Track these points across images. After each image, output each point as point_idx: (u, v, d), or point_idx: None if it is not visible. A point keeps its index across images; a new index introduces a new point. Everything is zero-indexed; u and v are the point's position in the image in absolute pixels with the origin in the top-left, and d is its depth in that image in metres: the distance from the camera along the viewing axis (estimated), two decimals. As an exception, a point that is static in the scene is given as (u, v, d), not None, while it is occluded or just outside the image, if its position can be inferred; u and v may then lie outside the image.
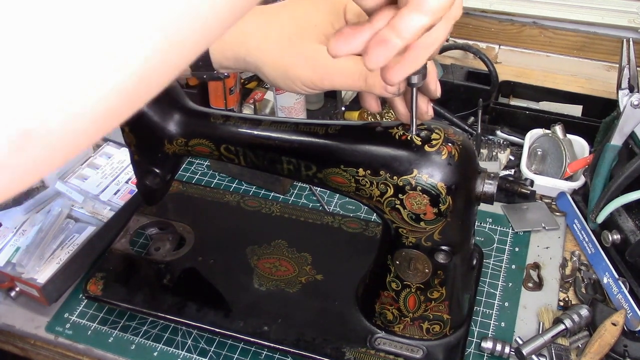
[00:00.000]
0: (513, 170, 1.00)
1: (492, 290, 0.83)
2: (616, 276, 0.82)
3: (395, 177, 0.59)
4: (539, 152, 1.00)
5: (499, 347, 0.75)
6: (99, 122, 0.22)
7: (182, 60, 0.24)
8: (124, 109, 0.23)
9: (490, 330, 0.79)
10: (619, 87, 0.85)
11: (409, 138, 0.60)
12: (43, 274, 0.83)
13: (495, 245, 0.90)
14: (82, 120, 0.21)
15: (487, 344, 0.76)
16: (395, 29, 0.37)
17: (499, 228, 0.92)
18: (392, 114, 1.07)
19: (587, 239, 0.88)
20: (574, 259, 0.88)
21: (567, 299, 0.83)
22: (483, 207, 0.91)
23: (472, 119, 1.10)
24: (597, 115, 1.02)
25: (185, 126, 0.69)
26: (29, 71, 0.19)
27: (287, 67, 0.53)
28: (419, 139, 0.59)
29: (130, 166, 0.93)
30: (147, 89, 0.24)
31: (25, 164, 0.20)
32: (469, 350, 0.77)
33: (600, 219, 0.85)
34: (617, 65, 0.88)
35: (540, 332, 0.77)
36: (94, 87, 0.21)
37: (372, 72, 0.51)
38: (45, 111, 0.20)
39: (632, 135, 0.85)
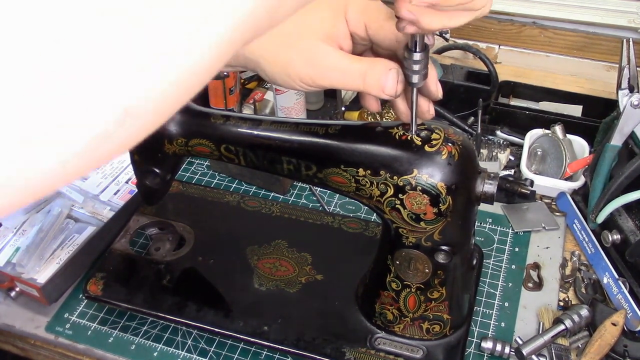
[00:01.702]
0: (513, 170, 1.01)
1: (492, 290, 0.83)
2: (616, 276, 0.82)
3: (395, 177, 0.59)
4: (539, 152, 1.00)
5: (499, 347, 0.75)
6: (173, 102, 0.25)
7: (251, 36, 0.27)
8: (190, 90, 0.26)
9: (490, 330, 0.79)
10: (618, 87, 0.85)
11: (409, 138, 0.60)
12: (43, 274, 0.83)
13: (495, 245, 0.90)
14: (164, 99, 0.24)
15: (487, 344, 0.76)
16: None
17: (499, 228, 0.92)
18: (392, 113, 1.07)
19: (587, 239, 0.88)
20: (574, 259, 0.88)
21: (567, 299, 0.83)
22: (483, 207, 0.91)
23: (472, 119, 1.10)
24: (597, 115, 1.02)
25: (185, 126, 0.69)
26: (131, 55, 0.22)
27: (286, 64, 0.53)
28: (419, 139, 0.59)
29: (130, 166, 0.93)
30: (213, 72, 0.26)
31: (123, 136, 0.24)
32: (469, 350, 0.77)
33: (600, 219, 0.85)
34: (617, 65, 0.87)
35: (540, 332, 0.77)
36: (172, 72, 0.24)
37: (371, 74, 0.51)
38: (139, 91, 0.23)
39: (632, 135, 0.85)
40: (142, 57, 0.22)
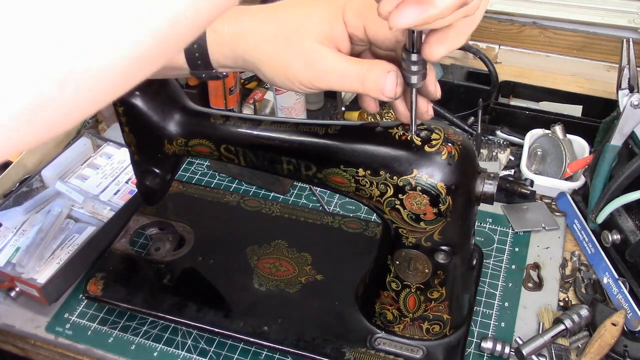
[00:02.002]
0: (513, 171, 1.01)
1: (492, 290, 0.83)
2: (616, 276, 0.82)
3: (395, 177, 0.59)
4: (539, 152, 1.00)
5: (499, 347, 0.75)
6: (134, 66, 0.25)
7: (212, 12, 0.26)
8: (158, 55, 0.26)
9: (490, 330, 0.79)
10: (618, 87, 0.85)
11: (408, 138, 0.60)
12: (43, 274, 0.83)
13: (495, 245, 0.90)
14: (119, 63, 0.24)
15: (487, 344, 0.76)
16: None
17: (499, 228, 0.92)
18: (392, 114, 1.07)
19: (587, 239, 0.88)
20: (574, 259, 0.88)
21: (567, 299, 0.83)
22: (483, 207, 0.91)
23: (472, 119, 1.10)
24: (597, 115, 1.02)
25: (185, 126, 0.69)
26: (74, 18, 0.22)
27: (285, 66, 0.53)
28: (419, 139, 0.59)
29: (130, 166, 0.93)
30: (178, 37, 0.26)
31: (70, 101, 0.23)
32: (469, 350, 0.77)
33: (600, 219, 0.85)
34: (617, 65, 0.87)
35: (540, 332, 0.77)
36: (129, 32, 0.23)
37: (370, 76, 0.51)
38: (85, 54, 0.22)
39: (632, 135, 0.85)
40: (86, 24, 0.22)
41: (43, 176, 0.97)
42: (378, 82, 0.51)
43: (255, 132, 0.66)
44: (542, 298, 0.82)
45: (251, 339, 0.75)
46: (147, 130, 0.69)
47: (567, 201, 0.93)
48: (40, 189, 0.96)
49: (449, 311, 0.71)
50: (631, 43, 0.88)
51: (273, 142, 0.65)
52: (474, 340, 0.78)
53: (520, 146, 1.01)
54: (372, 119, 1.07)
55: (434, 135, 0.60)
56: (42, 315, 0.83)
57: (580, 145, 0.99)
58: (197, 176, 1.03)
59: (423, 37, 0.49)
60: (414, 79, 0.51)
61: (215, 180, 1.02)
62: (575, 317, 0.76)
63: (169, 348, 0.78)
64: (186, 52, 0.56)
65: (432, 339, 0.73)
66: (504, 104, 1.12)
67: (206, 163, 1.05)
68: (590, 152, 0.97)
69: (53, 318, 0.82)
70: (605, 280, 0.83)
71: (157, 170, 0.73)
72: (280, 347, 0.74)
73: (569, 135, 0.99)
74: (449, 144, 0.60)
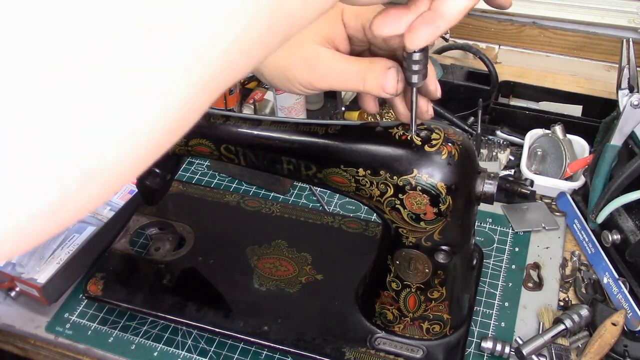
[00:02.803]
0: (513, 170, 1.01)
1: (492, 290, 0.83)
2: (616, 276, 0.82)
3: (395, 177, 0.59)
4: (539, 152, 1.00)
5: (499, 347, 0.75)
6: (147, 155, 0.23)
7: (216, 91, 0.25)
8: (165, 141, 0.24)
9: (490, 330, 0.79)
10: (618, 87, 0.85)
11: (409, 138, 0.60)
12: (43, 274, 0.83)
13: (495, 245, 0.90)
14: (133, 155, 0.22)
15: (487, 344, 0.76)
16: (440, 12, 0.40)
17: (499, 228, 0.92)
18: (392, 113, 1.07)
19: (587, 239, 0.88)
20: (574, 259, 0.88)
21: (567, 299, 0.83)
22: (483, 207, 0.91)
23: (472, 119, 1.10)
24: (597, 115, 1.02)
25: (185, 126, 0.69)
26: (89, 114, 0.20)
27: (285, 68, 0.53)
28: (419, 139, 0.59)
29: (130, 166, 0.93)
30: (185, 121, 0.24)
31: (87, 197, 0.22)
32: (469, 350, 0.77)
33: (600, 219, 0.85)
34: (617, 65, 0.88)
35: (540, 332, 0.77)
36: (142, 125, 0.22)
37: (370, 74, 0.51)
38: (102, 150, 0.21)
39: (632, 135, 0.85)
40: (99, 119, 0.20)
41: (43, 176, 0.96)
42: (379, 79, 0.51)
43: (255, 132, 0.66)
44: (542, 298, 0.82)
45: (251, 339, 0.75)
46: (147, 130, 0.69)
47: (567, 201, 0.93)
48: (40, 189, 0.96)
49: (449, 311, 0.71)
50: (631, 43, 0.88)
51: (273, 142, 0.65)
52: (474, 340, 0.78)
53: (520, 146, 1.01)
54: (372, 119, 1.07)
55: (434, 135, 0.60)
56: (42, 315, 0.83)
57: (580, 145, 0.99)
58: (197, 176, 1.03)
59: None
60: (415, 78, 0.51)
61: (215, 180, 1.02)
62: (575, 317, 0.76)
63: (169, 348, 0.78)
64: None
65: (432, 339, 0.73)
66: (503, 104, 1.12)
67: (206, 163, 1.05)
68: (590, 152, 0.97)
69: (53, 318, 0.82)
70: (605, 280, 0.83)
71: (157, 170, 0.74)
72: (280, 347, 0.74)
73: (569, 135, 0.99)
74: (449, 144, 0.60)
